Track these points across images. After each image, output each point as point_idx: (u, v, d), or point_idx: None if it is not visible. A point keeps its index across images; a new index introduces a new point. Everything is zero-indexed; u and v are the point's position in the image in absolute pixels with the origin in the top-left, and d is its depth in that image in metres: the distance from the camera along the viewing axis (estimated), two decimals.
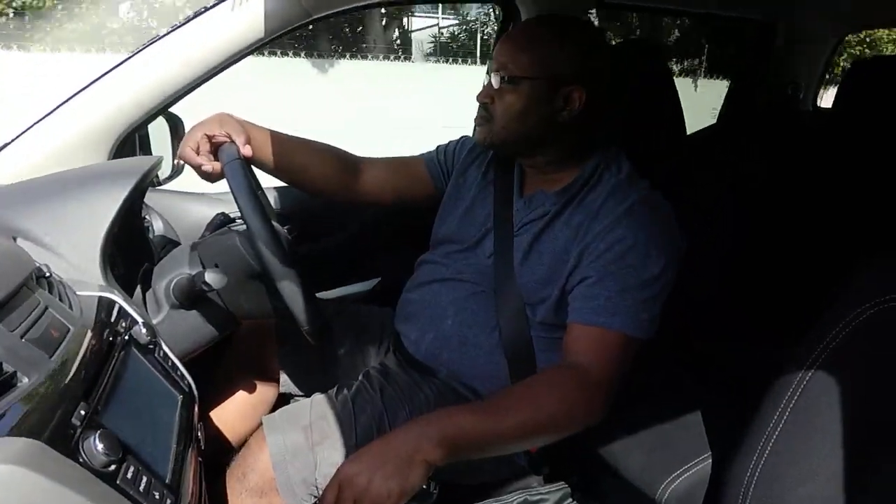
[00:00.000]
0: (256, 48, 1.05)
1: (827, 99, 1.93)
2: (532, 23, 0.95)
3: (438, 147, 1.16)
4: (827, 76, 2.15)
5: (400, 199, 1.14)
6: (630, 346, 0.83)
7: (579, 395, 0.79)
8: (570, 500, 0.87)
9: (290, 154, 1.04)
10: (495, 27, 9.43)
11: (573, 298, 0.87)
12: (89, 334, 0.61)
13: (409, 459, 0.70)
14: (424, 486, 0.73)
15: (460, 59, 10.18)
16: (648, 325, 0.84)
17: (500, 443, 0.77)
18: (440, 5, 10.97)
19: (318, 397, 0.93)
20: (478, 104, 0.97)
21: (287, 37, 1.12)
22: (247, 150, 0.92)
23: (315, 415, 0.89)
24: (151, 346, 0.71)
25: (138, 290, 0.86)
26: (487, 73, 0.96)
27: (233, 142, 0.92)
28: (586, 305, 0.85)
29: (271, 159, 1.01)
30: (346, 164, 1.10)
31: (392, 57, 10.19)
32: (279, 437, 0.86)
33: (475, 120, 0.98)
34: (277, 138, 1.02)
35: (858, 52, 8.71)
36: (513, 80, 0.90)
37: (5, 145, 0.94)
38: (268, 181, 1.08)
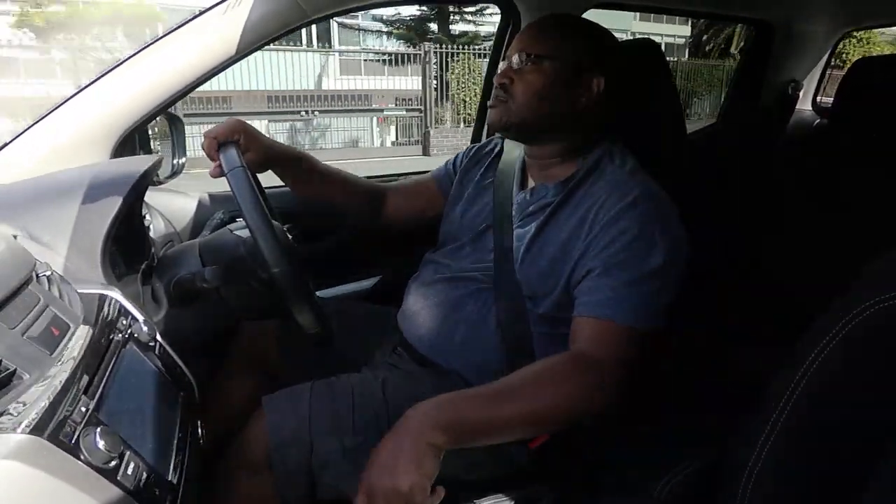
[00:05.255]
0: (256, 48, 1.05)
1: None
2: (553, 15, 1.01)
3: (448, 161, 1.19)
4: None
5: (417, 220, 1.20)
6: (637, 337, 0.83)
7: (582, 382, 0.79)
8: (569, 496, 0.87)
9: (322, 185, 1.13)
10: None
11: (579, 292, 0.87)
12: (90, 332, 0.61)
13: (416, 448, 0.70)
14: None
15: None
16: (655, 318, 0.84)
17: (504, 428, 0.77)
18: None
19: (320, 383, 0.93)
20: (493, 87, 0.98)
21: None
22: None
23: (315, 400, 0.89)
24: (152, 344, 0.71)
25: (139, 287, 0.86)
26: (503, 60, 0.99)
27: (237, 143, 0.92)
28: (592, 298, 0.85)
29: (304, 186, 1.12)
30: (373, 197, 1.18)
31: None
32: (278, 418, 0.87)
33: (490, 102, 0.99)
34: (311, 166, 1.10)
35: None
36: (536, 60, 0.93)
37: (6, 145, 0.94)
38: (268, 180, 1.08)
